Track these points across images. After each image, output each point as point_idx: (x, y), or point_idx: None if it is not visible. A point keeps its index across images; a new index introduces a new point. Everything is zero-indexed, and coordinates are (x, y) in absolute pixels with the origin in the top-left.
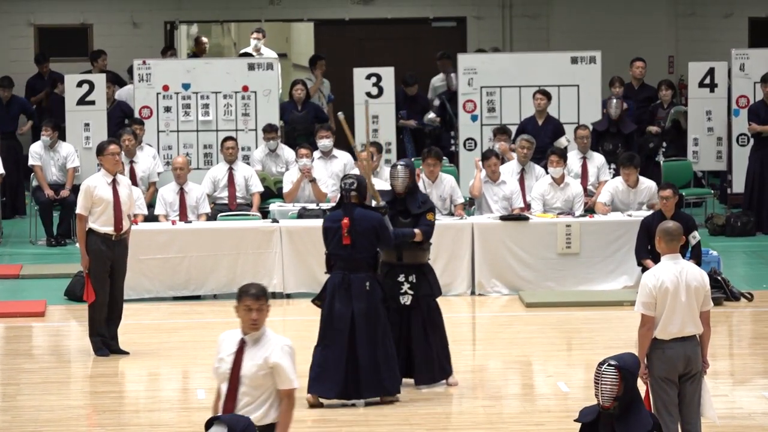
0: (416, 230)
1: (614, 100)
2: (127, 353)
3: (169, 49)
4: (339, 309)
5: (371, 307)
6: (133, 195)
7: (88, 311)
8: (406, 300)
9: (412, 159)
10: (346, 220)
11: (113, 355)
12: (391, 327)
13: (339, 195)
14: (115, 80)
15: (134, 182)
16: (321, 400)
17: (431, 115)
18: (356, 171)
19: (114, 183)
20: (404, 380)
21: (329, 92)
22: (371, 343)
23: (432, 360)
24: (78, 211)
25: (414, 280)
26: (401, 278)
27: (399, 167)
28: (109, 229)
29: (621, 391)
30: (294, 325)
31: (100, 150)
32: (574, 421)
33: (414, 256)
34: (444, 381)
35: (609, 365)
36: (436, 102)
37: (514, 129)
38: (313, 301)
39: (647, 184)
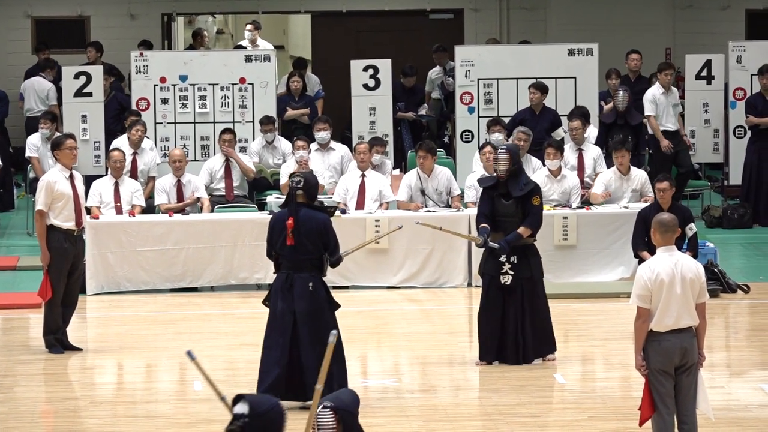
0: (520, 229)
1: (621, 92)
2: (80, 350)
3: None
4: (281, 309)
5: (314, 307)
6: (132, 187)
7: (43, 309)
8: (506, 280)
9: (409, 152)
10: (290, 221)
11: (67, 351)
12: (492, 306)
13: (287, 192)
14: (115, 72)
15: (134, 175)
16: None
17: (424, 109)
18: (353, 163)
19: (71, 177)
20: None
21: (319, 88)
22: (314, 344)
23: (520, 342)
24: (39, 207)
25: (515, 261)
26: (503, 258)
27: (500, 151)
28: (70, 225)
29: None
30: None
31: (58, 144)
32: None
33: None
34: (540, 359)
35: (324, 407)
36: (434, 94)
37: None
38: (263, 302)
39: (637, 173)
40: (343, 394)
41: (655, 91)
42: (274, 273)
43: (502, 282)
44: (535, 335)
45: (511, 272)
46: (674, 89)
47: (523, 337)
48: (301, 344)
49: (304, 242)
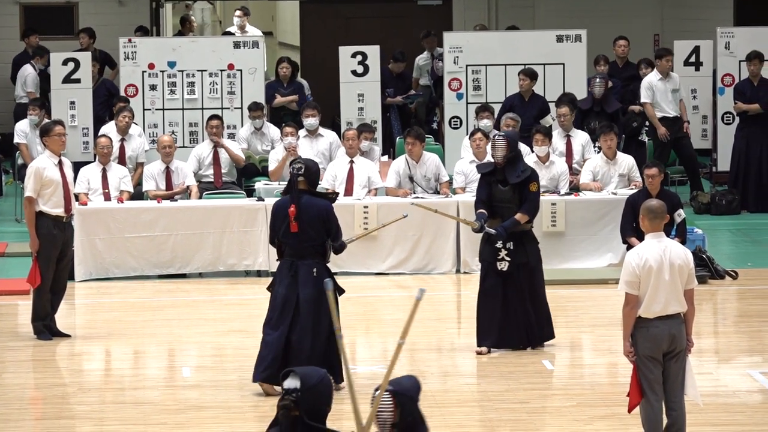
0: (517, 215)
1: (597, 79)
2: (68, 336)
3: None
4: (284, 294)
5: (317, 293)
6: (119, 173)
7: (32, 295)
8: (503, 266)
9: (398, 138)
10: (292, 208)
11: (55, 338)
12: (491, 292)
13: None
14: (104, 59)
15: (122, 161)
16: (275, 387)
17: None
18: (342, 150)
19: (60, 164)
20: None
21: (308, 93)
22: (314, 331)
23: (528, 326)
24: (28, 193)
25: (512, 248)
26: (499, 244)
27: (498, 137)
28: (59, 211)
29: (397, 418)
30: None
31: (46, 131)
32: None
33: None
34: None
35: (384, 391)
36: (422, 80)
37: (498, 107)
38: (267, 289)
39: (624, 157)
40: (405, 379)
41: (652, 78)
42: (278, 260)
43: (499, 268)
44: (540, 320)
45: (508, 258)
46: (674, 75)
47: (529, 321)
48: (303, 331)
49: (307, 229)
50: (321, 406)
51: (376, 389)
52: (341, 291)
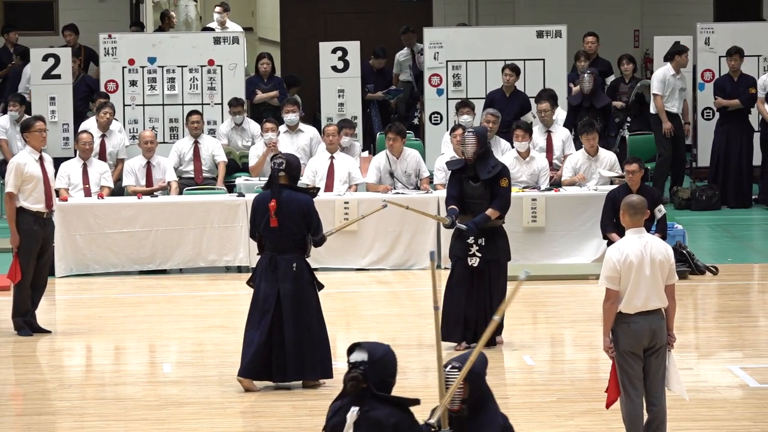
0: (488, 211)
1: (586, 75)
2: (48, 332)
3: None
4: (265, 290)
5: (298, 288)
6: (100, 169)
7: (13, 291)
8: (473, 262)
9: (378, 134)
10: (273, 203)
11: (35, 334)
12: (458, 288)
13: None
14: (90, 56)
15: (103, 157)
16: (255, 383)
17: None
18: (322, 145)
19: (41, 160)
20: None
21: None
22: (298, 325)
23: (480, 324)
24: (8, 189)
25: (483, 243)
26: (471, 240)
27: (468, 133)
28: (40, 207)
29: (467, 394)
30: None
31: (27, 127)
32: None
33: None
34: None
35: (452, 367)
36: (402, 76)
37: (478, 103)
38: (247, 283)
39: (606, 154)
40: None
41: (665, 72)
42: (258, 254)
43: (470, 264)
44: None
45: (479, 254)
46: (684, 73)
47: (486, 319)
48: (285, 326)
49: (288, 224)
50: (387, 378)
51: (446, 366)
52: (320, 286)
